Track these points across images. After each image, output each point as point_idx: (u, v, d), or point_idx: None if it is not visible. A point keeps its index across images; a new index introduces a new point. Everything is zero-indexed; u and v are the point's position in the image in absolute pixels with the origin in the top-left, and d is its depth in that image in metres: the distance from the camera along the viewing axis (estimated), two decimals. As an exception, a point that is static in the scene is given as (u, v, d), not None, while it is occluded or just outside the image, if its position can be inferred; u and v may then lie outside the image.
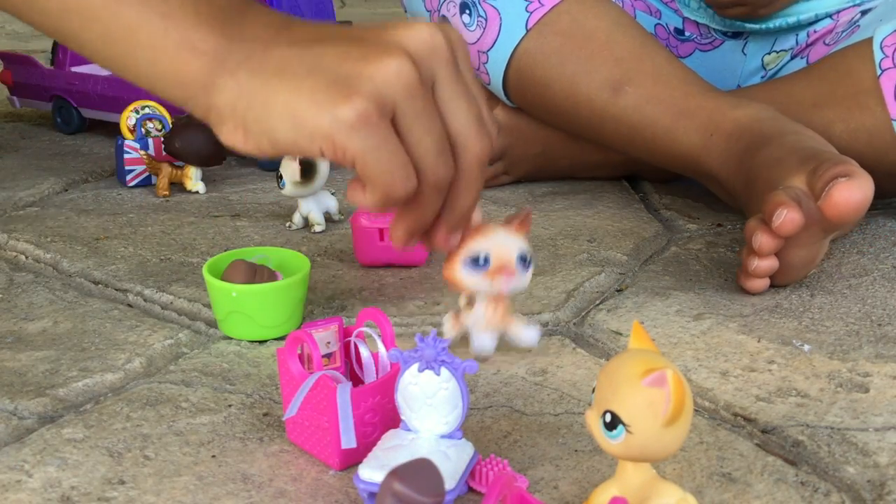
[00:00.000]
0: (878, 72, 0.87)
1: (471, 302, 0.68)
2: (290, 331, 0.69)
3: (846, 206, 0.72)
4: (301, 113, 0.54)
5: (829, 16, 0.99)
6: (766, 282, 0.77)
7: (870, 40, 0.90)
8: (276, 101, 0.54)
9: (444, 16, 1.01)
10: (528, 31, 0.96)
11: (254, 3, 0.59)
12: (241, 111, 0.55)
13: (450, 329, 0.69)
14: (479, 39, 0.99)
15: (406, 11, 1.09)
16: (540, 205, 1.02)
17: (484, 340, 0.67)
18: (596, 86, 0.95)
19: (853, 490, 0.54)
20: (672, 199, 1.02)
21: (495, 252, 0.64)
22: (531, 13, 0.96)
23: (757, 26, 1.01)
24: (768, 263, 0.75)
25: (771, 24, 1.00)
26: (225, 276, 0.71)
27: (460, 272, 0.64)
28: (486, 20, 0.98)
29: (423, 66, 0.55)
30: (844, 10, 0.99)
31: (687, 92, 0.92)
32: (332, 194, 0.96)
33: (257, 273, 0.71)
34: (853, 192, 0.72)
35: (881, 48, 0.87)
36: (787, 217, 0.72)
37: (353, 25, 0.58)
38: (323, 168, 0.91)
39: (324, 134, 0.53)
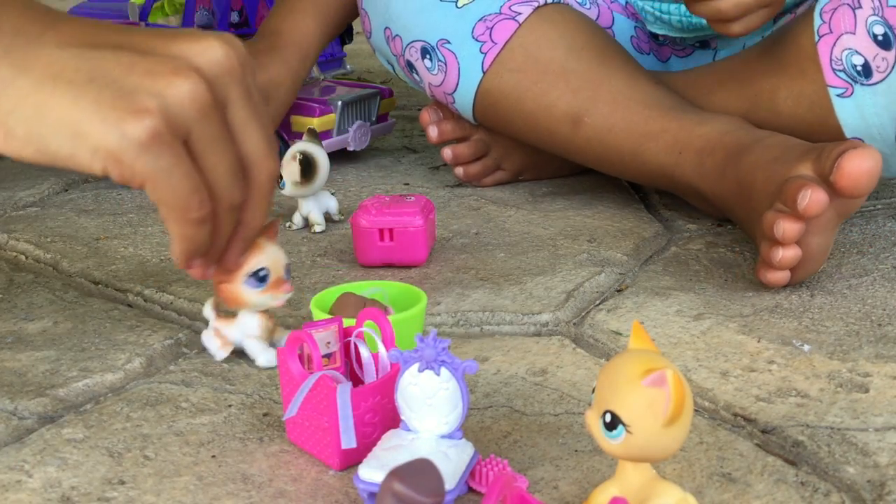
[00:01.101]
0: (816, 38, 0.87)
1: (225, 315, 0.67)
2: None
3: (858, 173, 0.73)
4: (82, 126, 0.51)
5: (789, 10, 1.00)
6: (787, 275, 0.77)
7: (813, 7, 0.90)
8: (50, 109, 0.51)
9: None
10: (484, 73, 0.97)
11: None
12: (3, 112, 0.51)
13: (218, 350, 0.68)
14: (442, 83, 1.00)
15: (375, 51, 1.09)
16: (540, 205, 1.02)
17: (269, 352, 0.67)
18: (556, 120, 0.96)
19: (853, 490, 0.54)
20: (672, 199, 1.02)
21: (271, 265, 0.64)
22: (485, 54, 0.97)
23: None
24: (793, 252, 0.75)
25: None
26: (333, 311, 0.67)
27: (242, 289, 0.63)
28: (445, 65, 0.99)
29: (215, 87, 0.53)
30: (802, 1, 0.99)
31: (648, 115, 0.92)
32: (332, 194, 0.96)
33: (366, 307, 0.66)
34: (864, 159, 0.73)
35: (820, 15, 0.88)
36: (813, 197, 0.72)
37: (141, 28, 0.56)
38: (323, 168, 0.91)
39: (109, 151, 0.51)
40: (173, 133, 0.51)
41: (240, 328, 0.67)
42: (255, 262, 0.63)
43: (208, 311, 0.68)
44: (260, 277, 0.63)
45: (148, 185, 0.52)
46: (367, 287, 0.70)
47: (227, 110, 0.55)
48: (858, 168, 0.73)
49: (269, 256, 0.64)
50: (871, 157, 0.73)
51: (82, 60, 0.52)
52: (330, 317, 0.64)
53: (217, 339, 0.68)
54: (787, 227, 0.74)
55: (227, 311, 0.67)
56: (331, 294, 0.70)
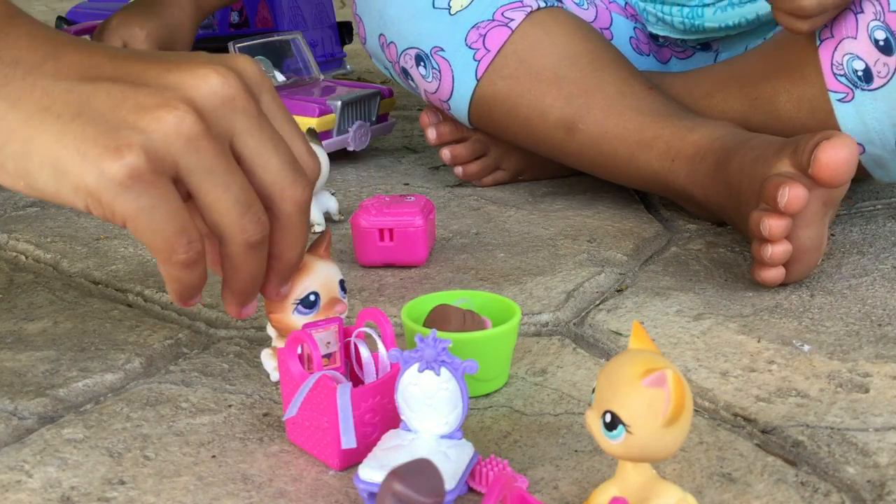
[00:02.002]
0: (818, 42, 0.87)
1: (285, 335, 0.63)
2: (502, 384, 0.65)
3: (836, 162, 0.73)
4: (63, 163, 0.49)
5: None
6: (781, 272, 0.77)
7: None
8: (36, 145, 0.50)
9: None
10: (478, 80, 0.97)
11: (21, 16, 0.53)
12: None
13: (274, 370, 0.64)
14: (437, 90, 1.00)
15: (371, 57, 1.09)
16: (540, 205, 1.02)
17: None
18: (550, 127, 0.96)
19: (853, 490, 0.54)
20: (672, 200, 1.02)
21: (322, 287, 0.59)
22: (479, 61, 0.97)
23: (716, 24, 1.01)
24: (782, 248, 0.75)
25: (730, 23, 1.00)
26: (434, 324, 0.63)
27: (293, 317, 0.59)
28: (439, 72, 0.99)
29: (213, 119, 0.51)
30: None
31: (641, 122, 0.92)
32: (332, 194, 0.96)
33: (466, 319, 0.64)
34: (838, 149, 0.73)
35: None
36: (792, 193, 0.73)
37: (144, 54, 0.53)
38: (323, 168, 0.91)
39: (89, 190, 0.49)
40: (156, 170, 0.49)
41: None
42: (303, 287, 0.58)
43: (271, 329, 0.64)
44: (309, 303, 0.59)
45: (129, 226, 0.50)
46: (456, 297, 0.68)
47: (235, 141, 0.52)
48: (835, 158, 0.73)
49: (317, 278, 0.59)
50: (845, 145, 0.74)
51: (73, 94, 0.50)
52: (426, 329, 0.61)
53: (274, 359, 0.63)
54: (772, 225, 0.74)
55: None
56: (421, 304, 0.67)
